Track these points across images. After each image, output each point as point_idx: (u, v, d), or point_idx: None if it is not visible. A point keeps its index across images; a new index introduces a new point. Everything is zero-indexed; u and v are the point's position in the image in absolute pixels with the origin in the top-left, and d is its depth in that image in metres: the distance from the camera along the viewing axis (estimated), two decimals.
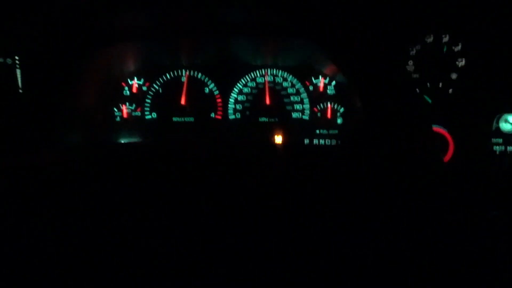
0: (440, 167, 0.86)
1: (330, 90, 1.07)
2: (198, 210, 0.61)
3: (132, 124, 1.09)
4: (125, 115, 1.09)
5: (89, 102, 1.05)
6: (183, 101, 1.08)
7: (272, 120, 1.08)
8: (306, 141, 1.09)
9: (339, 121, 1.07)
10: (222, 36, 0.98)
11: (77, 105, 1.02)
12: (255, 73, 1.09)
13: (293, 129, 1.09)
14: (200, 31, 0.98)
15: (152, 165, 0.75)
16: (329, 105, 1.07)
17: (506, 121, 0.89)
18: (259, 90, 1.09)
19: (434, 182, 0.86)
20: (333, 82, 1.07)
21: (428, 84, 0.86)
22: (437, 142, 0.87)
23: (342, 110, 1.07)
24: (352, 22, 0.78)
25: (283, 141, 1.08)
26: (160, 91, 1.09)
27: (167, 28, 0.99)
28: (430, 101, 0.86)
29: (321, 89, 1.07)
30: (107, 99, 1.08)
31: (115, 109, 1.09)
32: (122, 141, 1.09)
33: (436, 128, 0.87)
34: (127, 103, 1.09)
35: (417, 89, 0.87)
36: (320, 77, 1.07)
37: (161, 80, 1.09)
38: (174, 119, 1.09)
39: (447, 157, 0.88)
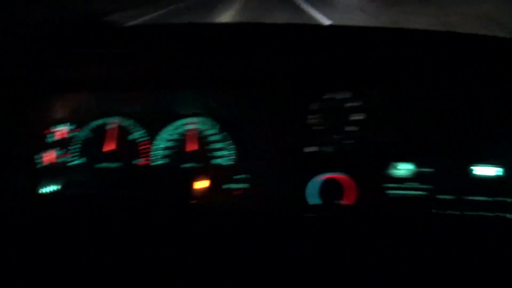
0: (340, 211, 0.94)
1: None
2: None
3: (56, 170, 1.11)
4: (49, 161, 1.11)
5: (13, 149, 1.06)
6: (109, 147, 1.12)
7: (197, 165, 1.13)
8: (230, 186, 1.14)
9: None
10: (152, 88, 1.04)
11: (2, 153, 1.03)
12: (181, 121, 1.14)
13: (217, 174, 1.14)
14: (131, 84, 1.05)
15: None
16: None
17: (398, 168, 0.99)
18: (184, 137, 1.14)
19: (336, 226, 0.93)
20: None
21: (328, 136, 0.96)
22: (337, 188, 0.95)
23: None
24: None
25: (206, 186, 1.13)
26: (87, 137, 1.12)
27: (98, 81, 1.04)
28: (328, 150, 0.95)
29: None
30: (32, 145, 1.10)
31: (39, 156, 1.11)
32: (45, 189, 1.10)
33: (340, 175, 0.96)
34: (53, 149, 1.11)
35: (318, 140, 0.96)
36: None
37: (88, 126, 1.12)
38: (100, 165, 1.12)
39: (349, 202, 0.96)
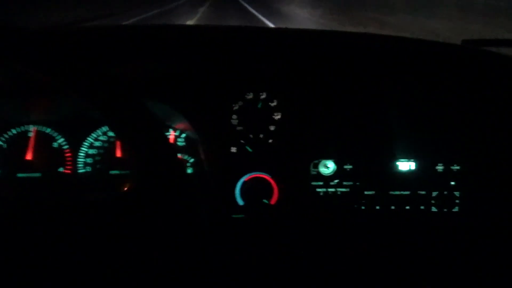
0: (264, 210, 0.94)
1: (181, 142, 1.13)
2: None
3: None
4: None
5: None
6: (29, 157, 1.07)
7: (124, 172, 1.10)
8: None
9: (189, 170, 1.12)
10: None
11: None
12: (106, 127, 1.11)
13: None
14: (52, 90, 1.00)
15: None
16: (179, 156, 1.12)
17: (325, 166, 1.01)
18: (110, 144, 1.11)
19: (261, 224, 0.94)
20: (183, 135, 1.13)
21: (250, 135, 0.96)
22: (260, 187, 0.96)
23: (192, 160, 1.12)
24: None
25: (135, 191, 1.10)
26: (5, 146, 1.07)
27: (17, 86, 0.99)
28: (250, 150, 0.96)
29: (171, 141, 1.12)
30: None
31: None
32: None
33: (260, 174, 0.96)
34: None
35: (241, 140, 0.96)
36: (171, 130, 1.13)
37: (5, 136, 1.07)
38: (19, 175, 1.07)
39: (273, 201, 0.97)
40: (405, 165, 1.00)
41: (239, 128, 0.96)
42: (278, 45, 0.96)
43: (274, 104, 0.97)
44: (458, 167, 0.99)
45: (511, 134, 0.98)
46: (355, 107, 0.98)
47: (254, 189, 0.95)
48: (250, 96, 0.97)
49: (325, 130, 0.99)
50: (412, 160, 1.00)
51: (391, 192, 1.00)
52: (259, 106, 0.96)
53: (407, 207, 1.00)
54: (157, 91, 0.97)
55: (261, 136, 0.97)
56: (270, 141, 0.97)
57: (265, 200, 0.95)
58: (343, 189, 1.01)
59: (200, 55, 0.94)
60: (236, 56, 0.95)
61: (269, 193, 0.96)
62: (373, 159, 1.00)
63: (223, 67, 0.95)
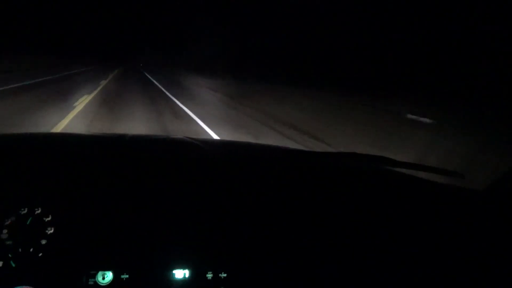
0: None
1: None
2: None
3: None
4: None
5: None
6: None
7: None
8: None
9: None
10: None
11: None
12: None
13: None
14: None
15: None
16: None
17: (103, 276, 1.05)
18: None
19: None
20: None
21: (19, 249, 0.99)
22: None
23: None
24: None
25: None
26: None
27: None
28: (14, 265, 0.99)
29: None
30: None
31: None
32: None
33: None
34: None
35: (9, 255, 0.99)
36: None
37: None
38: None
39: None
40: (180, 273, 1.08)
41: (8, 242, 0.99)
42: (53, 161, 1.04)
43: (48, 219, 1.02)
44: (225, 275, 1.09)
45: (275, 244, 1.12)
46: (127, 217, 1.07)
47: None
48: (24, 211, 1.02)
49: (99, 242, 1.06)
50: (186, 268, 1.08)
51: None
52: (32, 221, 1.01)
53: None
54: None
55: (31, 250, 1.00)
56: (40, 254, 1.01)
57: None
58: None
59: None
60: (10, 171, 1.01)
61: None
62: (149, 268, 1.07)
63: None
